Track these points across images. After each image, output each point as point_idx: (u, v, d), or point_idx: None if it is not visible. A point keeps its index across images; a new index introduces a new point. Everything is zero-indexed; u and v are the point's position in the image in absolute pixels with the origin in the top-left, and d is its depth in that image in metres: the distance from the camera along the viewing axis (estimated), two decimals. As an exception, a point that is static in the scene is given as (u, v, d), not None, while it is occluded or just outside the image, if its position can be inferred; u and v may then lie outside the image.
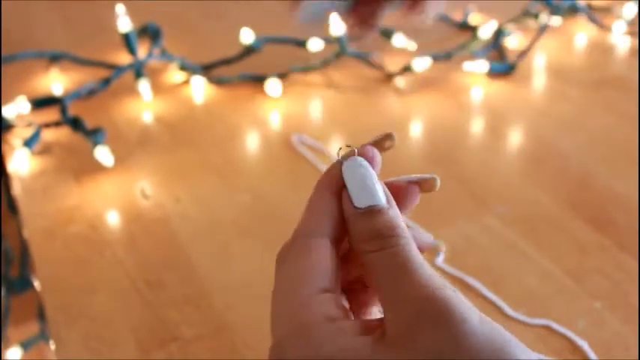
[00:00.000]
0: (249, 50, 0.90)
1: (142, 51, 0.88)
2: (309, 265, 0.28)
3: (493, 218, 0.65)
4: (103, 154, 0.74)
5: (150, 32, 0.90)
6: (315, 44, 0.91)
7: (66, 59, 0.90)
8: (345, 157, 0.30)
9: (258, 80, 0.87)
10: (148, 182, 0.72)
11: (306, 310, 0.26)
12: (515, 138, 0.79)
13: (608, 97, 0.85)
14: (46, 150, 0.77)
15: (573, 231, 0.64)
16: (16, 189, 0.72)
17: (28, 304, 0.94)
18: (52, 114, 0.81)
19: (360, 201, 0.29)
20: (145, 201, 0.69)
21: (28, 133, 0.78)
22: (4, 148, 0.77)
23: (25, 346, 0.95)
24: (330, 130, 0.80)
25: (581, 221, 0.65)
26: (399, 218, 0.28)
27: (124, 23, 0.85)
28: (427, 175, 0.31)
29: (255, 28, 0.91)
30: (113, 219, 0.67)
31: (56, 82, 0.90)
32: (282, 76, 0.87)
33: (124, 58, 0.89)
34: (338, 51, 0.89)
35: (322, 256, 0.28)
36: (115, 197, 0.70)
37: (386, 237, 0.27)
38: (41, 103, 0.82)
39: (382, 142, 0.32)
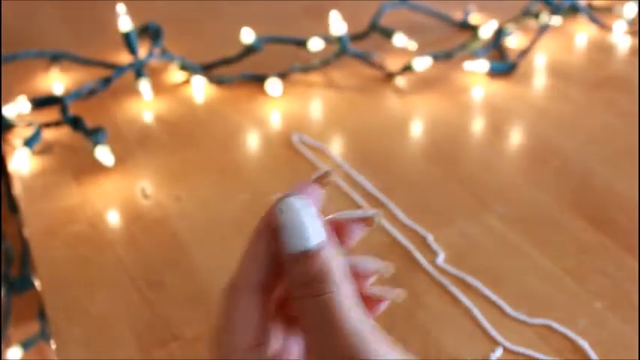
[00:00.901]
0: (249, 50, 0.90)
1: (142, 51, 0.88)
2: (235, 323, 0.29)
3: (493, 218, 0.65)
4: (103, 153, 0.74)
5: (150, 32, 0.90)
6: (316, 44, 0.91)
7: (66, 59, 0.90)
8: (281, 198, 0.30)
9: (259, 80, 0.87)
10: (149, 182, 0.72)
11: None
12: (515, 137, 0.79)
13: (608, 96, 0.85)
14: (47, 150, 0.77)
15: (574, 230, 0.64)
16: (17, 188, 0.72)
17: (29, 303, 0.94)
18: (52, 114, 0.81)
19: (294, 245, 0.28)
20: (146, 200, 0.69)
21: (29, 132, 0.78)
22: (5, 147, 0.78)
23: (26, 345, 0.95)
24: (331, 130, 0.80)
25: (581, 221, 0.65)
26: (334, 259, 0.28)
27: (125, 23, 0.85)
28: (369, 212, 0.31)
29: (256, 27, 0.91)
30: (113, 218, 0.67)
31: (57, 81, 0.90)
32: (282, 75, 0.87)
33: (124, 57, 0.89)
34: (338, 51, 0.89)
35: (248, 313, 0.29)
36: (115, 197, 0.70)
37: (317, 283, 0.28)
38: (42, 102, 0.82)
39: (321, 180, 0.31)
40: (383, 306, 0.31)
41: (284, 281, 0.30)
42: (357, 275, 0.30)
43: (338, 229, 0.30)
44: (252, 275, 0.29)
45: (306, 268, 0.28)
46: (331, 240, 0.29)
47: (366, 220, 0.31)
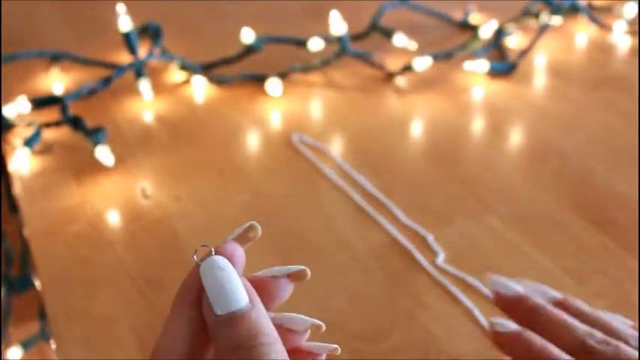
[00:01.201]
0: (249, 50, 0.90)
1: (142, 50, 0.88)
2: None
3: (493, 218, 0.65)
4: (103, 153, 0.74)
5: (150, 32, 0.90)
6: (316, 44, 0.91)
7: (66, 59, 0.90)
8: (202, 258, 0.29)
9: (259, 80, 0.87)
10: (149, 182, 0.72)
11: None
12: (515, 137, 0.79)
13: (608, 96, 0.85)
14: (47, 149, 0.77)
15: (574, 230, 0.64)
16: (17, 188, 0.72)
17: (29, 303, 0.94)
18: (52, 113, 0.81)
19: (220, 307, 0.27)
20: (146, 200, 0.69)
21: (29, 132, 0.78)
22: (5, 147, 0.78)
23: (26, 345, 0.95)
24: (331, 130, 0.80)
25: (581, 221, 0.65)
26: (263, 320, 0.27)
27: (125, 23, 0.85)
28: (295, 267, 0.30)
29: (256, 27, 0.91)
30: (114, 218, 0.67)
31: (57, 81, 0.90)
32: (282, 75, 0.88)
33: (124, 57, 0.89)
34: (338, 51, 0.89)
35: None
36: (115, 197, 0.70)
37: (247, 348, 0.26)
38: (42, 102, 0.82)
39: (245, 235, 0.30)
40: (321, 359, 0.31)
41: (211, 349, 0.29)
42: (291, 331, 0.30)
43: (264, 288, 0.29)
44: (179, 345, 0.28)
45: (236, 332, 0.26)
46: (258, 300, 0.28)
47: (294, 276, 0.30)
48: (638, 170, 0.71)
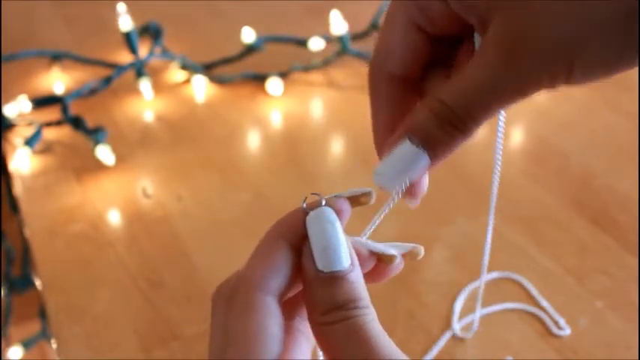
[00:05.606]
0: (250, 49, 0.90)
1: (143, 50, 0.88)
2: (256, 330, 0.25)
3: (495, 217, 0.65)
4: (104, 153, 0.74)
5: (151, 31, 0.90)
6: (316, 43, 0.91)
7: (67, 58, 0.90)
8: (312, 206, 0.27)
9: (260, 79, 0.87)
10: (150, 181, 0.72)
11: None
12: (516, 137, 0.79)
13: (609, 95, 0.85)
14: (48, 149, 0.77)
15: (575, 230, 0.64)
16: (18, 188, 0.72)
17: (30, 303, 0.94)
18: (53, 113, 0.81)
19: (323, 264, 0.26)
20: (147, 200, 0.69)
21: (30, 132, 0.78)
22: (6, 147, 0.78)
23: (27, 344, 0.95)
24: (332, 130, 0.80)
25: (582, 220, 0.65)
26: (360, 282, 0.26)
27: (125, 22, 0.85)
28: (391, 250, 0.28)
29: (256, 27, 0.91)
30: (114, 218, 0.67)
31: (57, 81, 0.90)
32: (283, 75, 0.87)
33: (125, 57, 0.89)
34: (339, 50, 0.89)
35: (269, 321, 0.25)
36: (116, 196, 0.70)
37: (345, 310, 0.25)
38: (42, 102, 0.82)
39: (358, 197, 0.29)
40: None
41: (294, 287, 0.28)
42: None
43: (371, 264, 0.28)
44: (274, 280, 0.26)
45: (335, 292, 0.26)
46: (357, 261, 0.27)
47: (385, 258, 0.28)
48: (638, 170, 0.71)
